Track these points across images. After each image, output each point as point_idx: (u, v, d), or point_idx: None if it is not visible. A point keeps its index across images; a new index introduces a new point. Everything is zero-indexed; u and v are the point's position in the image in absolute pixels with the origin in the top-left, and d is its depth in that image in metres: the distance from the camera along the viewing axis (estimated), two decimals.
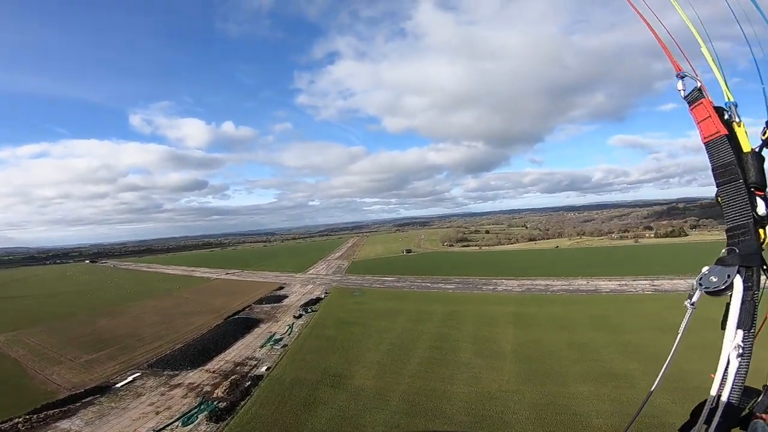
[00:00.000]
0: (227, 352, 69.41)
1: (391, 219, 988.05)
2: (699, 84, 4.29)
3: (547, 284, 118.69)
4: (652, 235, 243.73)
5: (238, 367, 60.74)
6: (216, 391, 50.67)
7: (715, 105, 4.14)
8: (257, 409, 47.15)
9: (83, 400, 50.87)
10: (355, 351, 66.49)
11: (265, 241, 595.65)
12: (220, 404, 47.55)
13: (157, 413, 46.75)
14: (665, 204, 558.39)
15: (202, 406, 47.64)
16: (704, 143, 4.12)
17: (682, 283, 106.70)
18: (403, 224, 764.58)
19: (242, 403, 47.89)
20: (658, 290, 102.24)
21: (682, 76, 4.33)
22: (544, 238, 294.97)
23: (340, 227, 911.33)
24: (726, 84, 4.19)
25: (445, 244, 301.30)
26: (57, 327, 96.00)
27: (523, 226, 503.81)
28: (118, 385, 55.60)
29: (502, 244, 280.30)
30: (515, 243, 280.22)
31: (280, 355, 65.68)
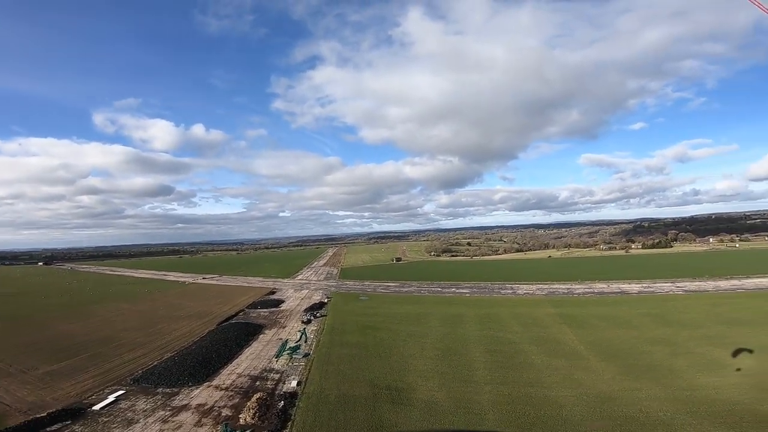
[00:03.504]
0: (235, 363, 55.07)
1: (364, 233, 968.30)
2: None
3: (568, 288, 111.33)
4: (639, 246, 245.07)
5: (258, 383, 46.83)
6: (242, 416, 36.89)
7: None
8: None
9: (48, 430, 35.73)
10: (396, 358, 54.24)
11: (236, 250, 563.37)
12: None
13: None
14: (629, 222, 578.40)
15: None
16: None
17: (703, 285, 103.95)
18: (378, 238, 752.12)
19: (284, 431, 34.57)
20: (686, 290, 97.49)
21: None
22: (531, 249, 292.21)
23: (312, 239, 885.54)
24: None
25: (432, 254, 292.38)
26: (5, 330, 77.47)
27: (499, 240, 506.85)
28: (97, 408, 40.43)
29: (490, 255, 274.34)
30: (504, 253, 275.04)
31: (306, 366, 52.23)
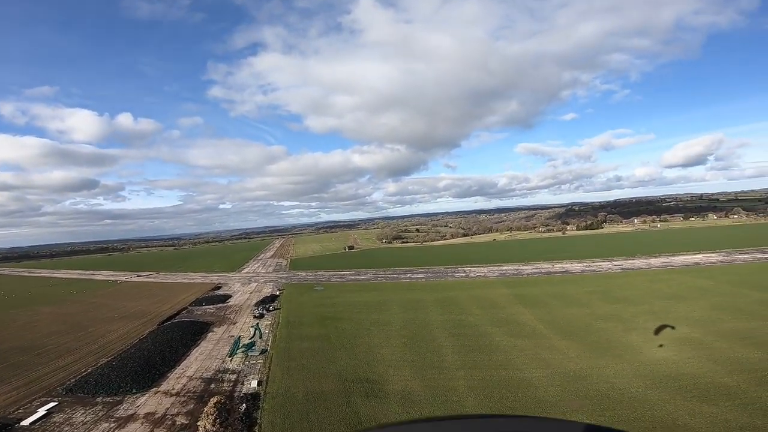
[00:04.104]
0: (184, 365, 49.73)
1: (312, 223, 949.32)
2: None
3: (517, 269, 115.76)
4: (574, 228, 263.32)
5: (213, 385, 42.35)
6: (200, 424, 32.63)
7: None
8: None
9: None
10: (362, 349, 52.14)
11: (172, 245, 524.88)
12: None
13: None
14: (562, 207, 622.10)
15: None
16: None
17: (637, 263, 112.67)
18: (327, 227, 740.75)
19: None
20: (623, 268, 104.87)
21: None
22: (476, 234, 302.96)
23: (256, 231, 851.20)
24: None
25: (384, 241, 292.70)
26: None
27: (445, 226, 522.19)
28: (27, 423, 34.21)
29: (439, 240, 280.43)
30: (451, 238, 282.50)
31: (264, 363, 48.40)
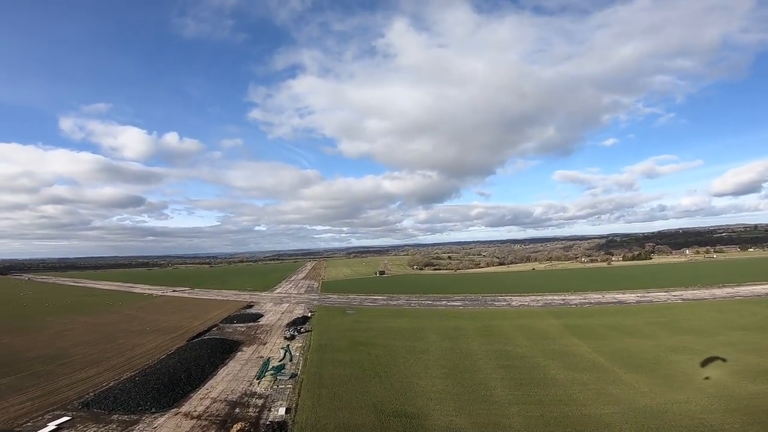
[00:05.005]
0: (209, 385, 46.76)
1: (343, 248, 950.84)
2: None
3: (563, 299, 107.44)
4: (620, 259, 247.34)
5: (237, 410, 38.88)
6: None
7: None
8: None
9: None
10: (398, 378, 47.27)
11: (208, 263, 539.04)
12: None
13: None
14: (602, 237, 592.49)
15: None
16: None
17: (699, 293, 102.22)
18: (357, 252, 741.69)
19: None
20: (684, 299, 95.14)
21: None
22: (513, 263, 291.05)
23: (289, 253, 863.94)
24: None
25: (415, 267, 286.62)
26: None
27: (478, 255, 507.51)
28: None
29: (473, 268, 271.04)
30: (486, 267, 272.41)
31: (294, 389, 44.58)
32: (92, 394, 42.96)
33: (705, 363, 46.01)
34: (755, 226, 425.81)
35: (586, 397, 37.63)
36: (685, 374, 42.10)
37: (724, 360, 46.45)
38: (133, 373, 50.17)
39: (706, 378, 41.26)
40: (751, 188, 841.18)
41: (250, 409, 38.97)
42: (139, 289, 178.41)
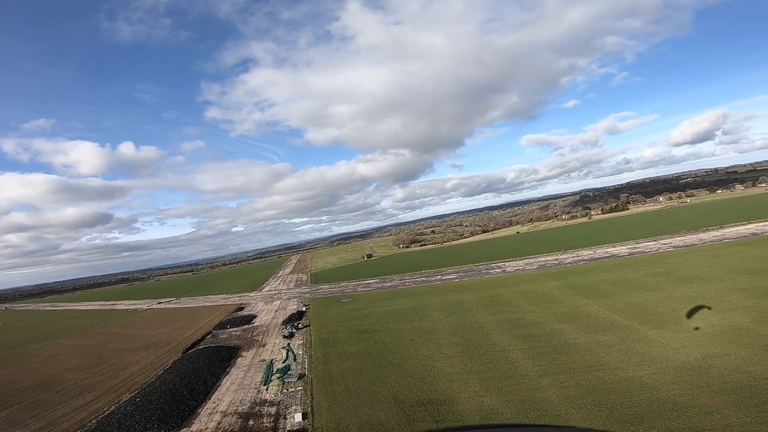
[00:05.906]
0: (215, 398, 43.17)
1: (325, 237, 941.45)
2: None
3: (556, 258, 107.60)
4: (599, 212, 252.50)
5: (251, 422, 35.59)
6: None
7: None
8: None
9: None
10: (412, 363, 44.86)
11: (191, 271, 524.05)
12: None
13: None
14: (575, 194, 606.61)
15: None
16: None
17: (686, 239, 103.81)
18: (340, 240, 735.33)
19: None
20: (675, 246, 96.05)
21: None
22: (496, 229, 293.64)
23: (271, 250, 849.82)
24: None
25: (401, 246, 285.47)
26: None
27: (460, 225, 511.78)
28: None
29: (458, 239, 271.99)
30: (471, 236, 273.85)
31: (305, 390, 41.51)
32: (94, 421, 39.37)
33: (691, 313, 45.43)
34: (716, 170, 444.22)
35: (618, 360, 36.06)
36: (712, 326, 40.95)
37: (709, 308, 45.99)
38: (132, 394, 46.19)
39: (696, 329, 40.45)
40: (706, 136, 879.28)
41: (265, 419, 35.79)
42: (123, 305, 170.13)
